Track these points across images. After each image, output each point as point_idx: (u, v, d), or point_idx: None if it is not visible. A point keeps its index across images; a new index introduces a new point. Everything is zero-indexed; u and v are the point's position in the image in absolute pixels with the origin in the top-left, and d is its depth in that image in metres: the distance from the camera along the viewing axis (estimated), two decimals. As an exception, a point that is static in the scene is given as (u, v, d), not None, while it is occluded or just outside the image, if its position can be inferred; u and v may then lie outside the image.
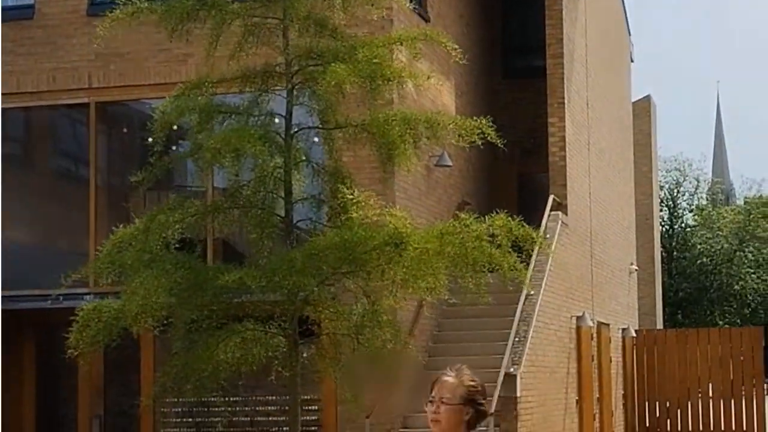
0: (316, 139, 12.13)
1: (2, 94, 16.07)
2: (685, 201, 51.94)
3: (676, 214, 50.25)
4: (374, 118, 11.17)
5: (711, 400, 22.93)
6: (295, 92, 11.47)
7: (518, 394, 14.63)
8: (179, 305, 10.80)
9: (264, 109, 11.53)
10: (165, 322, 11.27)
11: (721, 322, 46.28)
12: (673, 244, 48.61)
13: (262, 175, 11.16)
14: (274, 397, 15.37)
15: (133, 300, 10.68)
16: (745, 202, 56.09)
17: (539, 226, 15.56)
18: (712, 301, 47.64)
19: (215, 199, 13.37)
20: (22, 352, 16.55)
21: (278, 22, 11.46)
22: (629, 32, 26.35)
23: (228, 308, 10.95)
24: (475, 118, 11.45)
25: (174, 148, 14.04)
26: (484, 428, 14.16)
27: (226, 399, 15.53)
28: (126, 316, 10.79)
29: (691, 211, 52.33)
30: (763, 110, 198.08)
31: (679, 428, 23.02)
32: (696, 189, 53.16)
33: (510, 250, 10.72)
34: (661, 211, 45.11)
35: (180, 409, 15.92)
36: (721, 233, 49.32)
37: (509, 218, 10.69)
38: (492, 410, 14.17)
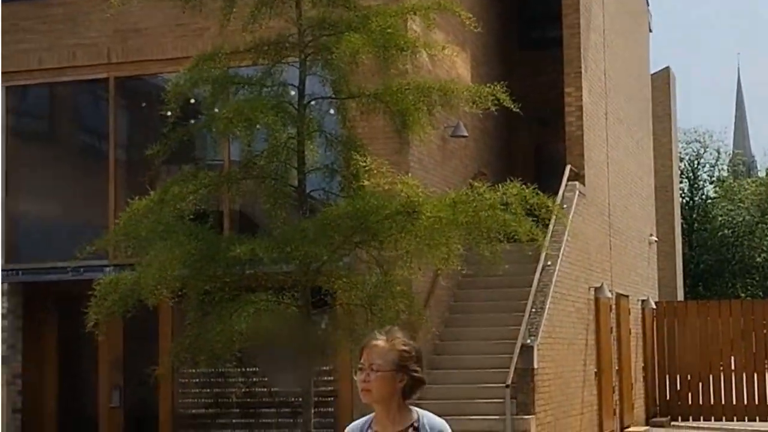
0: (331, 111, 12.09)
1: (26, 71, 16.46)
2: (705, 173, 51.71)
3: (696, 185, 50.02)
4: (387, 87, 11.11)
5: (733, 374, 22.76)
6: (308, 62, 11.43)
7: (535, 366, 14.58)
8: (192, 276, 10.80)
9: (277, 80, 11.48)
10: (180, 293, 11.30)
11: (743, 295, 46.08)
12: (694, 216, 48.41)
13: (276, 145, 11.12)
14: (290, 369, 15.40)
15: (148, 272, 10.69)
16: (767, 174, 55.76)
17: (556, 195, 15.48)
18: (733, 273, 47.42)
19: (229, 170, 13.37)
20: (45, 324, 16.69)
21: (291, -7, 11.41)
22: (647, 1, 26.13)
23: (241, 279, 10.94)
24: (489, 84, 11.40)
25: (192, 122, 14.04)
26: (501, 400, 14.16)
27: (243, 370, 15.61)
28: (142, 288, 10.81)
29: (711, 183, 52.07)
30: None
31: (701, 402, 22.87)
32: (717, 161, 52.90)
33: (525, 216, 10.66)
34: (681, 183, 44.92)
35: (198, 380, 16.00)
36: (742, 205, 49.04)
37: (523, 186, 10.63)
38: (508, 382, 14.15)
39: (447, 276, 14.82)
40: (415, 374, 4.32)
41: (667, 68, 29.60)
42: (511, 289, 15.95)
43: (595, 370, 18.07)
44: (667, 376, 23.12)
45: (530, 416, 14.35)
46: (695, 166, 50.58)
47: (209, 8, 11.71)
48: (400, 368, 4.28)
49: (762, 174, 59.19)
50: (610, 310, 19.30)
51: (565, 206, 16.32)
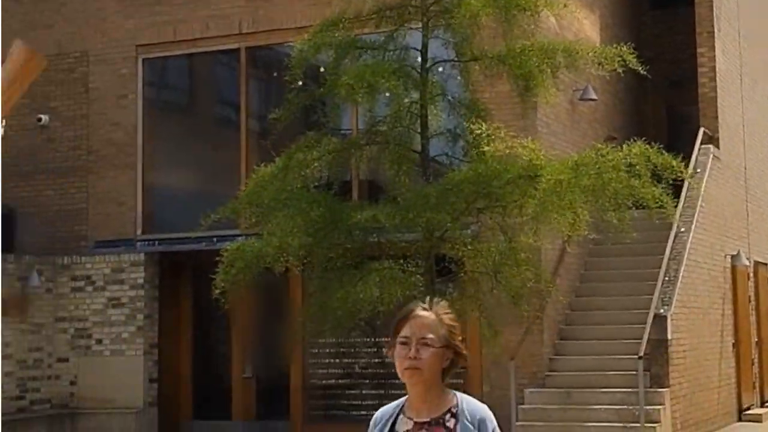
0: (456, 76, 11.93)
1: (161, 43, 16.69)
2: None
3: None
4: (510, 49, 10.90)
5: None
6: (430, 26, 11.29)
7: (669, 337, 14.17)
8: (315, 244, 10.77)
9: (400, 45, 11.38)
10: (305, 261, 11.28)
11: None
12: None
13: (398, 110, 11.03)
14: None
15: (270, 240, 10.71)
16: None
17: (689, 160, 15.02)
18: None
19: (353, 137, 13.31)
20: (180, 294, 16.94)
21: (415, -42, 11.29)
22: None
23: (363, 248, 10.87)
24: (615, 45, 11.09)
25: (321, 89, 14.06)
26: (633, 372, 13.80)
27: (374, 340, 15.60)
28: (266, 255, 10.84)
29: None
30: None
31: None
32: None
33: (652, 181, 10.32)
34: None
35: (329, 350, 16.04)
36: None
37: (647, 146, 10.28)
38: (641, 353, 13.74)
39: (577, 244, 14.51)
40: (461, 353, 3.79)
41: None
42: (643, 257, 15.55)
43: (733, 341, 17.51)
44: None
45: (664, 389, 13.97)
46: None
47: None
48: (449, 345, 3.75)
49: None
50: (748, 278, 18.69)
51: (698, 171, 15.82)
